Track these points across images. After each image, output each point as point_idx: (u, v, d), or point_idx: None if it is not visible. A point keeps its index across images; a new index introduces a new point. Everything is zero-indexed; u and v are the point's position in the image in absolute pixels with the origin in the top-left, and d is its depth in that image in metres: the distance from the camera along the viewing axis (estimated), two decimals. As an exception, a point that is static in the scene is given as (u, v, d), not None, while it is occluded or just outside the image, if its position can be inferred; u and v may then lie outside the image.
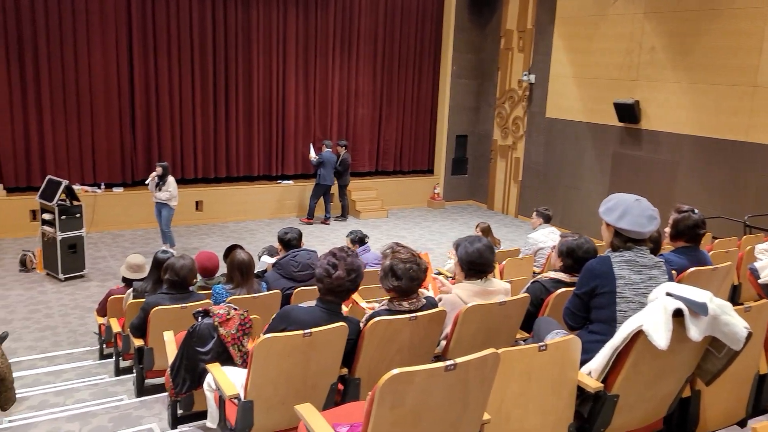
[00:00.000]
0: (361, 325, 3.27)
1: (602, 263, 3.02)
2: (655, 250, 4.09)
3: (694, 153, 10.19)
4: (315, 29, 13.12)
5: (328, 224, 12.62)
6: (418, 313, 3.19)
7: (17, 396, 4.88)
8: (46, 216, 8.79)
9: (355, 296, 4.19)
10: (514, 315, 3.62)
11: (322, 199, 12.66)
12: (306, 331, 2.96)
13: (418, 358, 3.31)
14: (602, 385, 2.72)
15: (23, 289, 8.51)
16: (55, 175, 9.81)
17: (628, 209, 3.02)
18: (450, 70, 14.44)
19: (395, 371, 2.05)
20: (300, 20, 12.95)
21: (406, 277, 3.15)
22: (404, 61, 14.34)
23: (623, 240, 3.04)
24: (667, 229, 4.34)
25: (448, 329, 3.48)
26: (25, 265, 9.16)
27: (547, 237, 7.11)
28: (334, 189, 12.91)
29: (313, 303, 3.31)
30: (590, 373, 2.77)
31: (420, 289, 3.35)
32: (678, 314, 2.54)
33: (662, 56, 10.50)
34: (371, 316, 3.22)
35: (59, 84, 10.99)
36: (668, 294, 2.63)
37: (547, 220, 7.51)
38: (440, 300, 3.52)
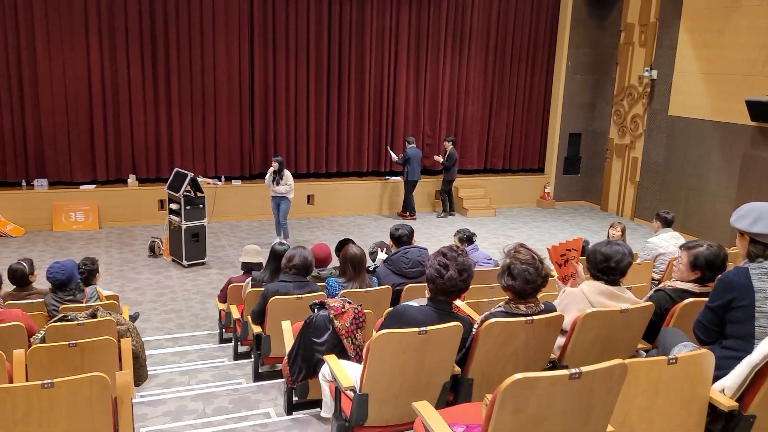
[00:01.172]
0: (475, 326, 3.25)
1: (739, 275, 2.83)
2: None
3: (839, 155, 9.29)
4: (427, 26, 13.16)
5: (415, 218, 12.60)
6: (535, 317, 3.13)
7: (148, 373, 5.26)
8: (173, 206, 9.39)
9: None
10: (637, 324, 3.47)
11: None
12: (422, 328, 2.98)
13: (532, 363, 3.25)
14: (737, 403, 2.55)
15: (151, 273, 9.15)
16: (181, 167, 10.49)
17: (762, 214, 2.83)
18: (565, 66, 14.00)
19: (518, 376, 2.02)
20: (413, 17, 13.03)
21: (521, 279, 3.09)
22: (517, 56, 14.06)
23: (762, 247, 2.84)
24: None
25: (568, 317, 3.37)
26: (153, 251, 9.86)
27: (669, 242, 6.76)
28: (432, 184, 12.82)
29: (424, 301, 3.32)
30: (723, 391, 2.61)
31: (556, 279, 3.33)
32: (829, 334, 2.34)
33: (804, 49, 9.64)
34: (486, 317, 3.19)
35: (187, 83, 11.73)
36: (817, 311, 2.42)
37: (669, 224, 7.14)
38: (563, 292, 3.43)
